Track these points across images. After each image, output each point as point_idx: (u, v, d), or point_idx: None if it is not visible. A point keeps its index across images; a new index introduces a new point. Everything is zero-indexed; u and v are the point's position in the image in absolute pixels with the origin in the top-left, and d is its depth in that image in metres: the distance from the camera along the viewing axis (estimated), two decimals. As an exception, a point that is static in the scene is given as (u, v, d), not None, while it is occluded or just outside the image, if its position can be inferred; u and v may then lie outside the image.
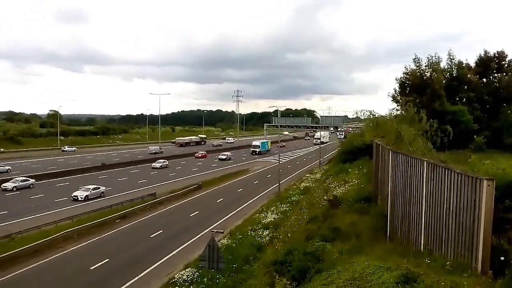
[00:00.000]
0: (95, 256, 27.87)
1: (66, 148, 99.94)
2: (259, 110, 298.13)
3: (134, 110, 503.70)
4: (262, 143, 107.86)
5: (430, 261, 9.01)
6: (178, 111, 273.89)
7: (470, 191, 8.32)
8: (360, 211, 19.95)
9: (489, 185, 7.77)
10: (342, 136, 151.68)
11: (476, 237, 8.04)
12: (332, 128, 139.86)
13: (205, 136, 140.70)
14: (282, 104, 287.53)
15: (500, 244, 8.55)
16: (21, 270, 25.20)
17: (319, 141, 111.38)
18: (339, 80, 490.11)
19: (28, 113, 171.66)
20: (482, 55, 55.51)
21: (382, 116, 19.24)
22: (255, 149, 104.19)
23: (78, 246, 30.47)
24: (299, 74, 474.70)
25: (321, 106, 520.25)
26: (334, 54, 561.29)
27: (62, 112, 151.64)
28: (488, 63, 54.36)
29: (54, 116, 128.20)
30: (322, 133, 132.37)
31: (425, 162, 11.00)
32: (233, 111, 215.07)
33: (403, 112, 22.50)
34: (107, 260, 27.25)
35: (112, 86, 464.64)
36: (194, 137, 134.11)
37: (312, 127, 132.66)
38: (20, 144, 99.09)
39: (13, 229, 31.54)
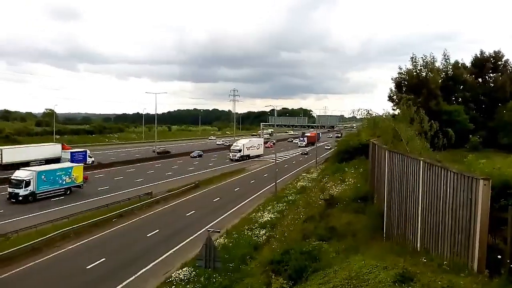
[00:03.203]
0: (91, 255, 27.83)
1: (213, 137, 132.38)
2: (256, 109, 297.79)
3: (130, 109, 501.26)
4: (49, 172, 47.65)
5: (426, 260, 9.05)
6: (174, 110, 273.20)
7: (466, 190, 8.36)
8: (356, 210, 19.99)
9: (485, 185, 7.82)
10: (304, 143, 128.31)
11: (473, 236, 8.09)
12: (328, 128, 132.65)
13: (272, 130, 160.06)
14: (278, 103, 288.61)
15: (495, 244, 8.60)
16: (17, 270, 25.13)
17: (237, 155, 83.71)
18: (335, 79, 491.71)
19: (24, 111, 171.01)
20: (478, 55, 55.76)
21: (379, 115, 19.28)
22: (15, 190, 43.63)
23: (75, 245, 30.41)
24: (295, 73, 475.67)
25: (317, 105, 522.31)
26: (329, 53, 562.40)
27: (58, 110, 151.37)
28: (484, 63, 54.61)
29: (49, 115, 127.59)
30: (243, 141, 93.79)
31: (421, 161, 11.04)
32: (229, 110, 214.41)
33: (399, 111, 22.54)
34: (103, 259, 27.21)
35: (108, 84, 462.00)
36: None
37: (308, 126, 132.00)
38: (16, 142, 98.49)
39: (8, 228, 31.51)
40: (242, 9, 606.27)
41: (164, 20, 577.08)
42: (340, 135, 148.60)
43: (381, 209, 16.31)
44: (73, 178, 49.67)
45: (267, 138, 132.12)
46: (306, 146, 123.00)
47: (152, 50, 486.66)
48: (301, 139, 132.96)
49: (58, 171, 48.46)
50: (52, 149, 71.33)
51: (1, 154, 62.82)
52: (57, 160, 68.06)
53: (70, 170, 49.61)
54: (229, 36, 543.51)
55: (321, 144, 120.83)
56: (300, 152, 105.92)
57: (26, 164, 60.03)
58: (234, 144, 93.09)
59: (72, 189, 49.35)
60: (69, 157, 68.61)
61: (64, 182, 48.37)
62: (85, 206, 40.93)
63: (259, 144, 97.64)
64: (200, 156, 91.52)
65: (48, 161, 66.09)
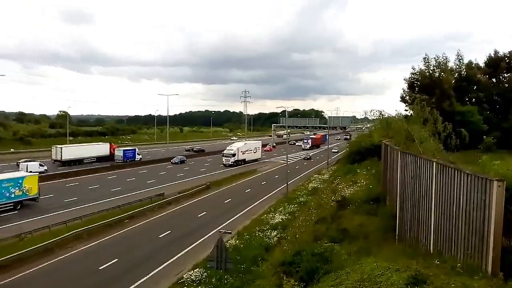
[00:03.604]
0: (104, 256, 28.05)
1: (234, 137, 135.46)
2: (266, 110, 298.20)
3: (142, 110, 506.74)
4: None
5: (439, 263, 8.96)
6: (186, 112, 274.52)
7: (480, 192, 8.25)
8: (368, 212, 19.88)
9: (499, 186, 7.71)
10: (308, 146, 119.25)
11: (486, 238, 7.98)
12: (340, 129, 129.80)
13: (289, 131, 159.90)
14: (289, 105, 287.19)
15: (510, 246, 8.49)
16: (30, 270, 25.41)
17: (230, 160, 77.82)
18: (346, 80, 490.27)
19: (38, 114, 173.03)
20: (492, 55, 55.00)
21: (392, 116, 19.11)
22: None
23: (87, 246, 30.65)
24: (306, 74, 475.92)
25: (329, 106, 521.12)
26: (340, 54, 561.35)
27: (71, 112, 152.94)
28: (498, 63, 53.83)
29: (63, 116, 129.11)
30: (238, 145, 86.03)
31: (434, 163, 10.93)
32: (240, 112, 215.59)
33: (411, 112, 22.34)
34: (116, 260, 27.40)
35: (120, 87, 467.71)
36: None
37: (320, 127, 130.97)
38: (30, 144, 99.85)
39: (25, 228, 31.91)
40: (253, 10, 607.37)
41: (175, 22, 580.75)
42: (349, 136, 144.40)
43: (393, 210, 16.19)
44: (24, 190, 41.49)
45: (286, 139, 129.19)
46: (310, 149, 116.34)
47: (164, 52, 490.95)
48: (305, 141, 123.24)
49: (4, 182, 40.02)
50: (101, 147, 79.86)
51: (61, 152, 70.57)
52: (106, 157, 77.32)
53: (20, 181, 41.35)
54: (240, 38, 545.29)
55: (330, 146, 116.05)
56: (303, 156, 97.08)
57: (81, 160, 72.19)
58: (227, 148, 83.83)
59: (24, 202, 41.58)
60: (122, 154, 77.64)
61: (13, 195, 40.40)
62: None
63: (256, 148, 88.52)
64: (182, 162, 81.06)
65: (98, 158, 75.96)
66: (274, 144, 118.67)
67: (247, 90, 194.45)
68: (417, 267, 8.32)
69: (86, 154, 75.07)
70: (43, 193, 44.29)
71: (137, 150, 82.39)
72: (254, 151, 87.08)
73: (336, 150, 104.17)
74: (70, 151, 72.97)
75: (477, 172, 8.85)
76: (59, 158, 70.31)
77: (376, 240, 14.96)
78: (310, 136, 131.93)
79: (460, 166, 9.84)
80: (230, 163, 77.80)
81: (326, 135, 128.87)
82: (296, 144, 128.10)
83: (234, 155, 78.44)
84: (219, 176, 65.17)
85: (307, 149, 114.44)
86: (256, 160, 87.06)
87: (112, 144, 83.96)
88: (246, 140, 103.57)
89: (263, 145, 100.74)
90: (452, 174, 9.67)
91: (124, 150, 79.24)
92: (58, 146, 73.33)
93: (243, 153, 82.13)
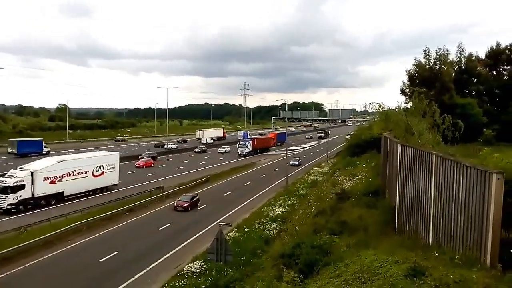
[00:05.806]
0: (104, 249, 28.10)
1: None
2: (266, 103, 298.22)
3: (141, 103, 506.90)
4: None
5: (438, 255, 9.00)
6: (186, 105, 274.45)
7: (479, 184, 8.27)
8: (368, 205, 19.93)
9: (498, 179, 7.72)
10: (247, 151, 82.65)
11: (485, 230, 8.01)
12: (340, 121, 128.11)
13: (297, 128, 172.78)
14: (289, 97, 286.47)
15: (509, 238, 8.53)
16: (31, 263, 25.48)
17: (7, 201, 35.50)
18: (346, 73, 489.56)
19: (37, 107, 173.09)
20: (494, 47, 54.82)
21: (391, 109, 19.11)
22: None
23: (88, 238, 30.72)
24: (306, 67, 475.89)
25: (328, 99, 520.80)
26: (340, 47, 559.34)
27: (71, 105, 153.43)
28: (499, 56, 53.69)
29: (63, 110, 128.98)
30: (37, 165, 40.33)
31: (433, 155, 10.93)
32: (240, 105, 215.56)
33: (411, 104, 22.33)
34: (116, 252, 27.48)
35: (119, 80, 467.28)
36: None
37: (319, 120, 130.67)
38: (30, 137, 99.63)
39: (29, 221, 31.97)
40: (254, 3, 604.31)
41: (175, 15, 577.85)
42: (324, 134, 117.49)
43: (392, 203, 16.23)
44: None
45: (206, 146, 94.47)
46: (249, 154, 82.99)
47: (163, 45, 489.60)
48: (242, 143, 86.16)
49: None
50: (219, 131, 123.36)
51: (203, 134, 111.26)
52: (220, 138, 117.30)
53: None
54: (240, 31, 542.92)
55: (289, 153, 75.22)
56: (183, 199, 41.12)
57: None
58: (9, 173, 39.51)
59: None
60: (242, 135, 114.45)
61: None
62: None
63: (100, 166, 46.05)
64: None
65: (217, 138, 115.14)
66: (155, 154, 75.62)
67: (247, 83, 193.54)
68: (416, 259, 8.36)
69: (211, 135, 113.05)
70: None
71: (249, 132, 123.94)
72: (96, 171, 45.52)
73: (296, 162, 71.21)
74: (207, 133, 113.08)
75: (476, 164, 8.87)
76: (201, 138, 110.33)
77: (375, 233, 15.02)
78: (255, 136, 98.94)
79: (459, 158, 9.86)
80: (7, 206, 36.50)
81: (284, 133, 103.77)
82: (219, 150, 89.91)
83: (15, 188, 36.99)
84: (217, 170, 64.99)
85: (245, 155, 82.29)
86: (103, 189, 46.50)
87: (224, 129, 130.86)
88: (89, 153, 52.01)
89: (125, 157, 64.77)
90: (451, 166, 9.67)
91: (244, 132, 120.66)
92: (201, 130, 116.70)
93: (52, 182, 40.42)
